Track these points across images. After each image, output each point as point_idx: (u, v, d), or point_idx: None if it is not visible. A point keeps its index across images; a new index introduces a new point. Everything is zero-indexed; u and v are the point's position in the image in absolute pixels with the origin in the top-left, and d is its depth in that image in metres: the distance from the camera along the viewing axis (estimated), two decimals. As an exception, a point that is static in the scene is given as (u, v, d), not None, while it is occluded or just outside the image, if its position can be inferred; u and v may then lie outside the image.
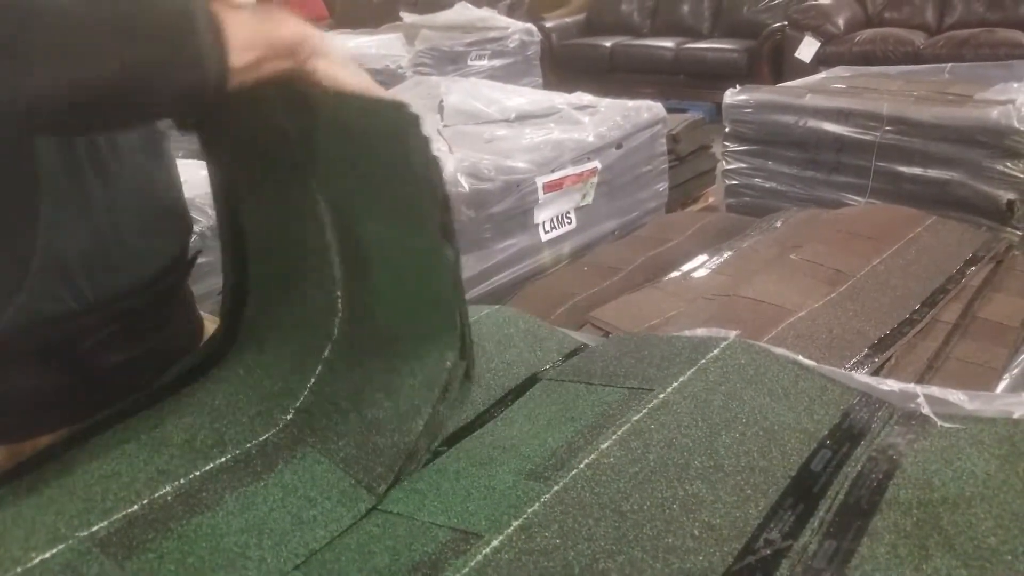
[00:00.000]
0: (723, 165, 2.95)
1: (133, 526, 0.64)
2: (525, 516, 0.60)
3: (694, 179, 3.10)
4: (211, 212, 0.91)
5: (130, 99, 0.56)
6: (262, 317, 0.83)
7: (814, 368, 0.83)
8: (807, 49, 4.49)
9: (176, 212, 0.85)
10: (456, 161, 2.23)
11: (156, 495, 0.67)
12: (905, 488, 0.64)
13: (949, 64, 3.05)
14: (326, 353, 0.78)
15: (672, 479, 0.65)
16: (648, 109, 2.73)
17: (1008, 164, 2.26)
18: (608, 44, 5.59)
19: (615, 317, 1.68)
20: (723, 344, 0.84)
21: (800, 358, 0.84)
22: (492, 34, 4.84)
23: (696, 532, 0.60)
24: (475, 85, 2.98)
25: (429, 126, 2.47)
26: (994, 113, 2.26)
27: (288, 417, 0.77)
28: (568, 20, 6.02)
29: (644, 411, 0.73)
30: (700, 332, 0.94)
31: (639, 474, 0.65)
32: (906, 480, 0.65)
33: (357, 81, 0.68)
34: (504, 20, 5.11)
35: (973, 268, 1.71)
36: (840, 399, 0.79)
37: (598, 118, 2.64)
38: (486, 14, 5.17)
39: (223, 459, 0.72)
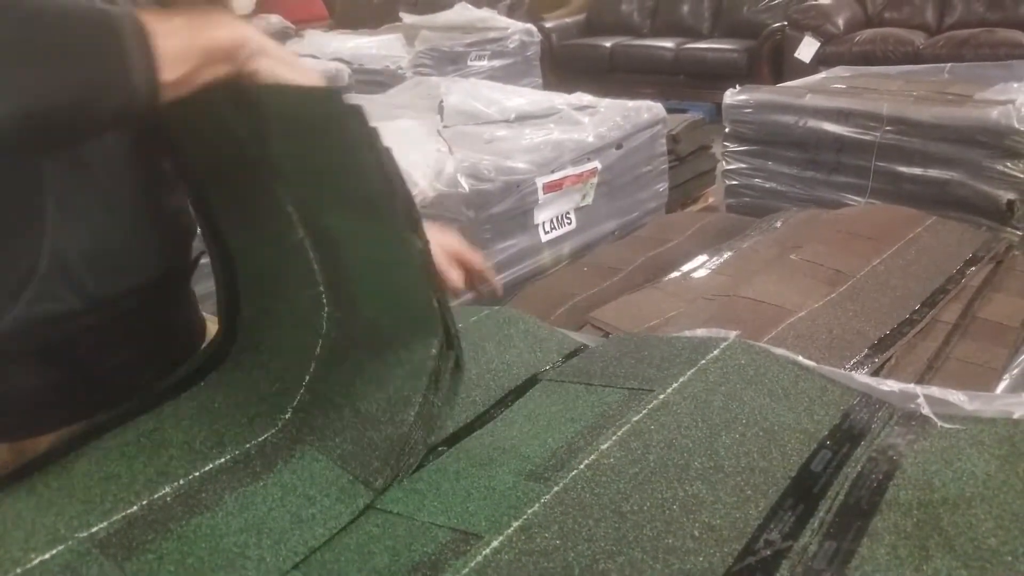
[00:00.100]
0: (723, 165, 2.95)
1: (133, 527, 0.64)
2: (525, 517, 0.60)
3: (694, 179, 3.10)
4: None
5: (64, 122, 0.56)
6: (257, 317, 0.84)
7: (814, 368, 0.83)
8: (807, 49, 4.49)
9: (178, 213, 0.85)
10: (456, 161, 2.23)
11: (155, 496, 0.68)
12: (905, 489, 0.64)
13: (949, 64, 3.04)
14: (318, 350, 0.79)
15: (672, 480, 0.65)
16: (648, 109, 2.72)
17: (1008, 164, 2.26)
18: (608, 44, 5.59)
19: (615, 317, 1.68)
20: (723, 345, 0.84)
21: (800, 358, 0.84)
22: (492, 34, 4.83)
23: (696, 533, 0.59)
24: (475, 85, 2.98)
25: (419, 124, 2.46)
26: (994, 113, 2.26)
27: (286, 416, 0.77)
28: (568, 20, 6.01)
29: (644, 412, 0.73)
30: (700, 332, 0.94)
31: (639, 475, 0.65)
32: (906, 481, 0.65)
33: (298, 76, 0.68)
34: (504, 20, 5.10)
35: (973, 268, 1.71)
36: (840, 399, 0.78)
37: (598, 118, 2.63)
38: (486, 14, 5.16)
39: (222, 460, 0.72)
